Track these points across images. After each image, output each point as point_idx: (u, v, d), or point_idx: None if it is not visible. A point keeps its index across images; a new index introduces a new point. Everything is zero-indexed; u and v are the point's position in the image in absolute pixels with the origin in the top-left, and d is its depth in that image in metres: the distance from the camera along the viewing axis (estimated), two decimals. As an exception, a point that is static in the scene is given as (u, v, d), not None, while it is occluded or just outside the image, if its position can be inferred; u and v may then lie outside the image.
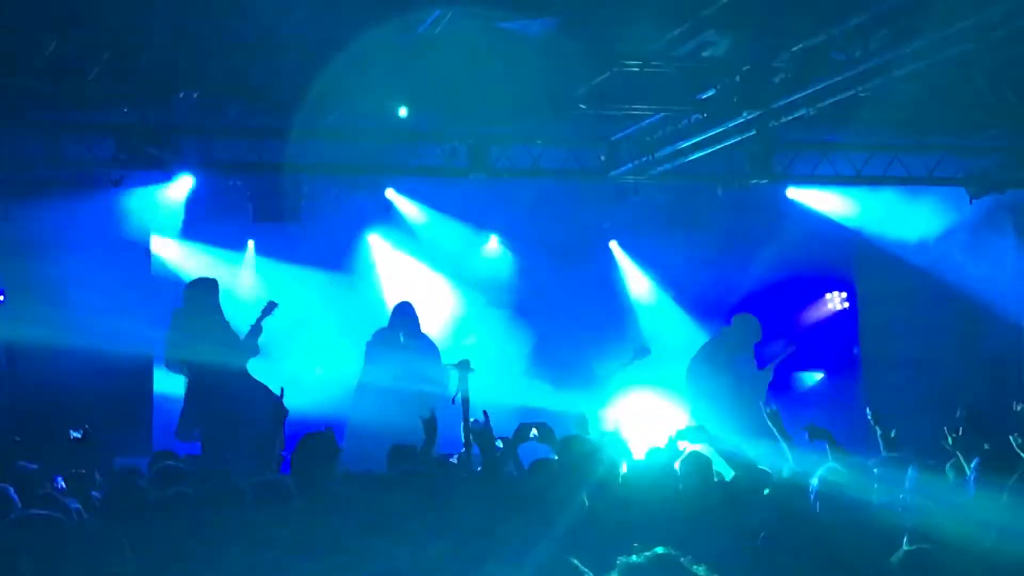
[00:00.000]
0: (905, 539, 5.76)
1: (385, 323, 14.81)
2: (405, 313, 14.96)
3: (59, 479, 8.65)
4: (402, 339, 14.66)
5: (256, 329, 13.14)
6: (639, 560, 3.79)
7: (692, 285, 17.33)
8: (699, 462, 8.58)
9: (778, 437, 9.63)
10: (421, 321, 14.95)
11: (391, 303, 15.72)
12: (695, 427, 9.19)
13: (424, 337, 14.95)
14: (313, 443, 8.01)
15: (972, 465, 8.04)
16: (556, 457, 8.19)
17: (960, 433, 9.39)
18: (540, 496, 6.90)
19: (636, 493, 7.86)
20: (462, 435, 8.90)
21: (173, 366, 13.02)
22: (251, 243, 16.37)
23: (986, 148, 15.14)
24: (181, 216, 15.51)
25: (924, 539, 5.24)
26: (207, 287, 13.24)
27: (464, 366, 9.17)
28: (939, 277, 16.78)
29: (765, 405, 9.89)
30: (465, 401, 8.91)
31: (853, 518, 6.63)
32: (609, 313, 17.15)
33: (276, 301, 13.42)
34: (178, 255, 15.66)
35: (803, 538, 6.15)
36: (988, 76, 12.08)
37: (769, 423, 9.59)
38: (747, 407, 13.99)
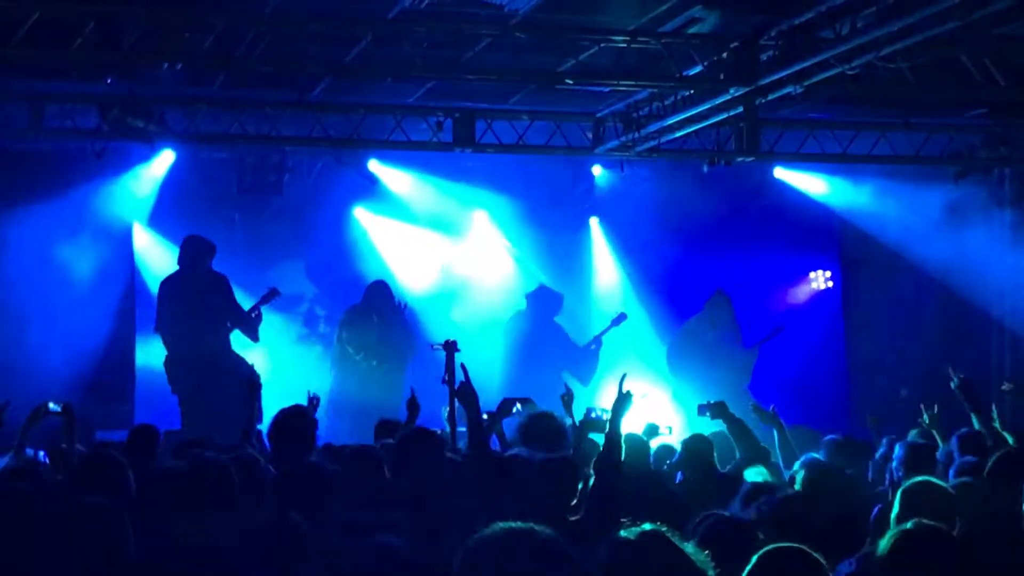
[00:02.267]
0: (893, 518, 5.77)
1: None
2: (378, 292, 15.00)
3: (42, 453, 8.62)
4: (375, 319, 14.71)
5: (254, 315, 13.13)
6: (628, 535, 3.78)
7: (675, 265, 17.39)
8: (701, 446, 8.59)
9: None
10: (394, 299, 15.03)
11: (377, 274, 15.80)
12: (717, 403, 9.15)
13: (398, 315, 14.99)
14: (291, 417, 8.00)
15: (952, 442, 8.09)
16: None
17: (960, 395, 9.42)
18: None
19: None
20: (444, 414, 8.87)
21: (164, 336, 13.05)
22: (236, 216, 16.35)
23: (972, 127, 15.13)
24: (165, 190, 15.45)
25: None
26: (202, 246, 13.23)
27: (451, 347, 9.13)
28: (922, 256, 16.82)
29: (766, 407, 9.81)
30: (452, 382, 8.88)
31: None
32: (584, 285, 17.23)
33: (278, 289, 13.42)
34: (161, 231, 15.59)
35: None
36: (974, 55, 12.09)
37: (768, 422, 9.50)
38: (731, 386, 14.03)
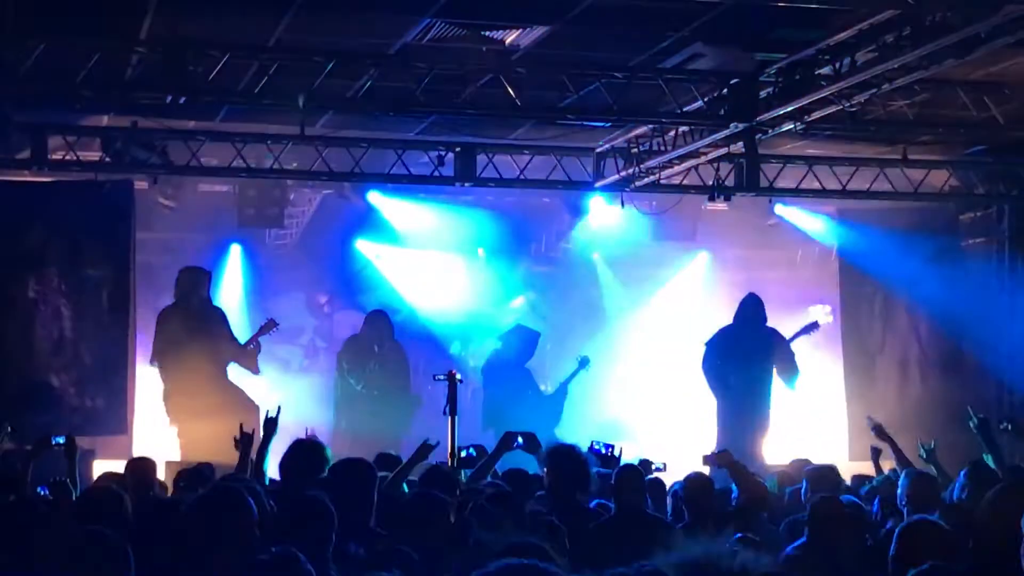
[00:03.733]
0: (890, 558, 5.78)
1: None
2: (377, 321, 15.00)
3: (43, 487, 8.61)
4: (376, 349, 14.71)
5: (252, 347, 13.10)
6: (627, 571, 3.77)
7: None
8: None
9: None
10: (393, 328, 15.03)
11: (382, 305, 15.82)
12: (721, 452, 9.11)
13: (397, 344, 15.01)
14: (304, 451, 8.00)
15: (961, 474, 8.12)
16: (544, 468, 8.18)
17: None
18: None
19: None
20: (449, 447, 8.87)
21: (162, 367, 13.04)
22: (236, 248, 16.36)
23: (971, 164, 15.17)
24: (167, 222, 15.48)
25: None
26: (198, 277, 13.24)
27: (453, 377, 9.14)
28: (921, 292, 16.83)
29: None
30: (453, 412, 8.90)
31: None
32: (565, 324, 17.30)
33: (276, 320, 13.40)
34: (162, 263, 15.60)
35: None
36: (973, 92, 12.15)
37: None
38: (759, 403, 14.02)
